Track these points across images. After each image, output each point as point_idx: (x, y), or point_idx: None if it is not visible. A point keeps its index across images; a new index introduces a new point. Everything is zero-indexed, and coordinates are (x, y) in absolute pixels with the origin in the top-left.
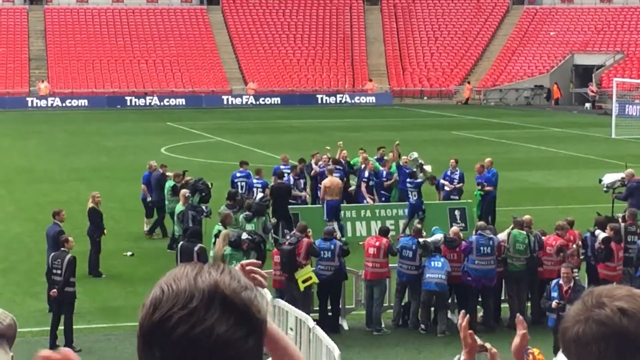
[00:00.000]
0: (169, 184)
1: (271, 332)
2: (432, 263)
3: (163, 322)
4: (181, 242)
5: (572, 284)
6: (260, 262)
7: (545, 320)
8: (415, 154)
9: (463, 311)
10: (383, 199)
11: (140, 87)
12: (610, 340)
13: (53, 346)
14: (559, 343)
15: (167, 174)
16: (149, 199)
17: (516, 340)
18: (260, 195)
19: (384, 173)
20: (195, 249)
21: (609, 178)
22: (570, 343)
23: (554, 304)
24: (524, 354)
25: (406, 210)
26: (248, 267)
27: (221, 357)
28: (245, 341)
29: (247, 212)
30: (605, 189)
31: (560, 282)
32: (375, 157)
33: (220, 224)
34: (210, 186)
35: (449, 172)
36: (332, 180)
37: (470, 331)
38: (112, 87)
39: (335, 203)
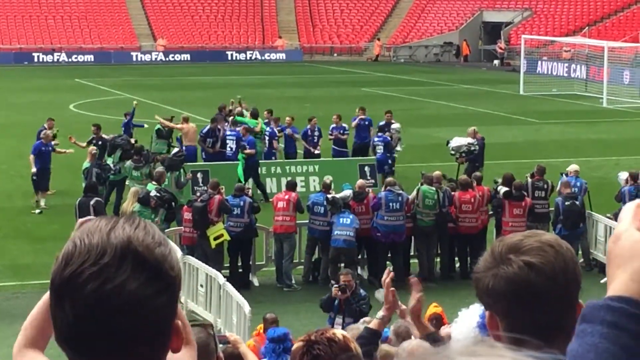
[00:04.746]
0: (156, 127)
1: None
2: (341, 220)
3: (74, 277)
4: (79, 198)
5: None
6: None
7: (454, 275)
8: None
9: (389, 268)
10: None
11: (48, 43)
12: (519, 295)
13: None
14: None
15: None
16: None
17: (412, 302)
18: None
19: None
20: (92, 202)
21: (456, 142)
22: (482, 294)
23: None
24: (420, 315)
25: (317, 167)
26: None
27: (132, 314)
28: (157, 298)
29: (160, 167)
30: (452, 152)
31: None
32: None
33: (154, 182)
34: (132, 143)
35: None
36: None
37: (392, 289)
38: (19, 43)
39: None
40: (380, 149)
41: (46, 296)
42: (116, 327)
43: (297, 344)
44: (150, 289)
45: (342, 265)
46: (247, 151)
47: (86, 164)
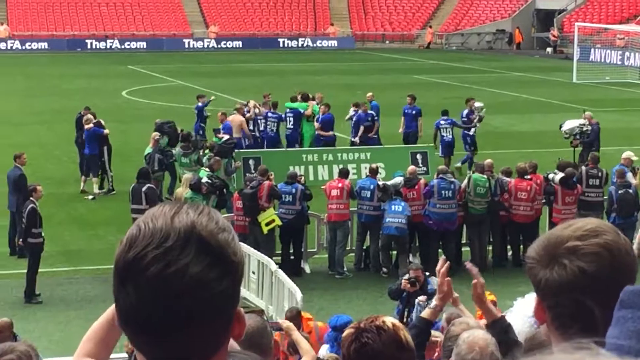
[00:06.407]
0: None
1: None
2: (393, 207)
3: (137, 260)
4: (133, 184)
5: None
6: None
7: (506, 264)
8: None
9: (443, 257)
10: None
11: (101, 30)
12: (571, 296)
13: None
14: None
15: None
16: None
17: (472, 289)
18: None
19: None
20: (143, 189)
21: (568, 124)
22: (533, 284)
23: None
24: (484, 300)
25: (368, 155)
26: None
27: (194, 297)
28: (220, 283)
29: (210, 154)
30: (565, 135)
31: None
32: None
33: (207, 169)
34: (178, 130)
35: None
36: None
37: (448, 279)
38: (72, 30)
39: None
40: (449, 132)
41: (105, 314)
42: (179, 310)
43: (347, 331)
44: (213, 273)
45: (395, 252)
46: (220, 135)
47: (148, 149)
